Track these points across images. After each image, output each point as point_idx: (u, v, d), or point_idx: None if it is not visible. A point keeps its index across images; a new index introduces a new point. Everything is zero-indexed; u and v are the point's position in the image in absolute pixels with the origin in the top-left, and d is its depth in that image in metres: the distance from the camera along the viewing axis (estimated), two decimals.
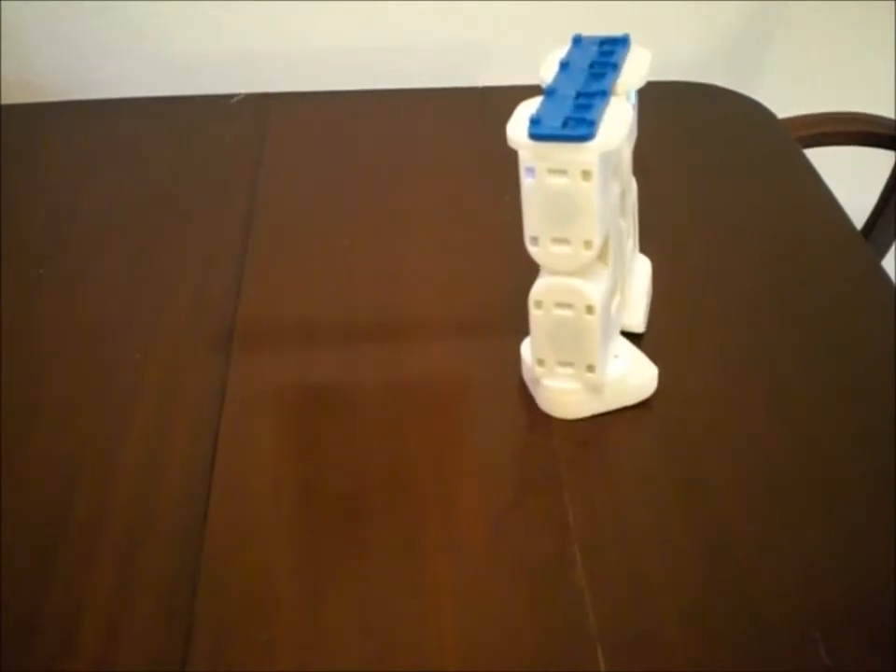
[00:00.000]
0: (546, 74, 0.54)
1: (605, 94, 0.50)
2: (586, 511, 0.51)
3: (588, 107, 0.49)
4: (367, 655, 0.45)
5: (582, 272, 0.51)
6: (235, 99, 0.90)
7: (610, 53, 0.55)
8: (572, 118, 0.47)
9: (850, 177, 0.83)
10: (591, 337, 0.53)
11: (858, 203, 0.84)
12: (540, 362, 0.55)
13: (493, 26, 1.04)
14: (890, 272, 0.68)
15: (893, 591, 0.47)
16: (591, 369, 0.54)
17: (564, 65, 0.54)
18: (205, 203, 0.77)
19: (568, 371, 0.55)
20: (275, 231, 0.73)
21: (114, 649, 0.45)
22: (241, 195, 0.77)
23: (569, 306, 0.52)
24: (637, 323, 0.61)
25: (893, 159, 0.93)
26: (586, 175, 0.47)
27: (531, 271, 0.67)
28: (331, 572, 0.49)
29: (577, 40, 0.56)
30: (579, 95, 0.50)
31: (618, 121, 0.48)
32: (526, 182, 0.49)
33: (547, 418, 0.57)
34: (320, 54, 1.05)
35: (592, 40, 0.56)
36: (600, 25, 0.90)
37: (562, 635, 0.46)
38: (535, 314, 0.53)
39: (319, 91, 0.91)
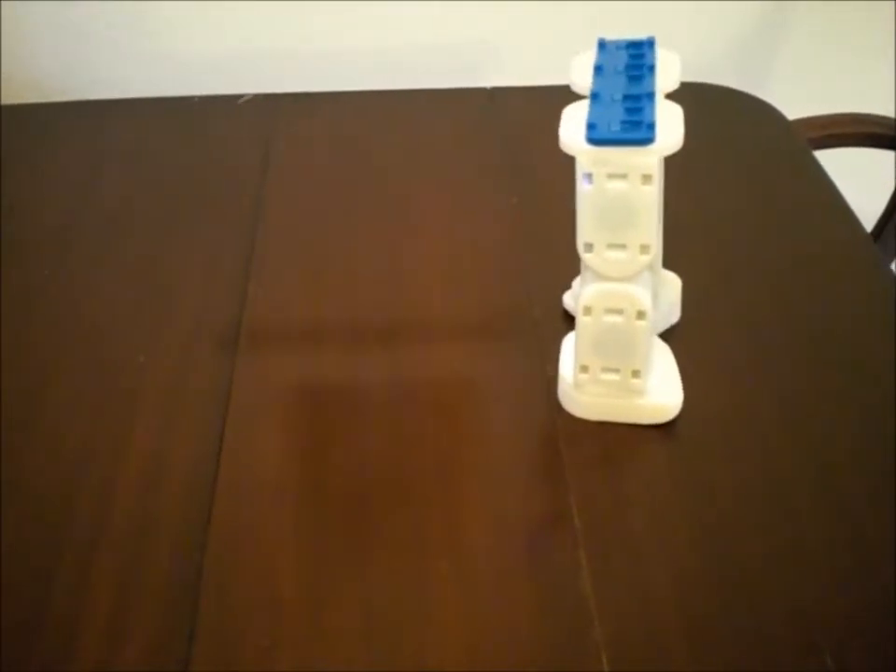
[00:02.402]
0: (578, 77, 0.53)
1: (652, 96, 0.50)
2: (592, 517, 0.51)
3: (640, 110, 0.48)
4: (369, 659, 0.45)
5: (632, 277, 0.51)
6: (242, 99, 0.89)
7: (640, 56, 0.54)
8: (628, 121, 0.47)
9: (861, 179, 0.82)
10: (640, 343, 0.52)
11: (868, 204, 0.84)
12: (584, 368, 0.54)
13: (501, 27, 1.03)
14: None
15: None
16: (636, 374, 0.53)
17: (598, 69, 0.53)
18: (212, 204, 0.76)
19: (613, 377, 0.54)
20: (282, 232, 0.73)
21: (116, 651, 0.45)
22: (247, 195, 0.76)
23: (619, 312, 0.51)
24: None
25: None
26: (647, 178, 0.47)
27: (539, 273, 0.67)
28: (335, 575, 0.48)
29: (602, 44, 0.56)
30: (626, 98, 0.49)
31: (673, 123, 0.47)
32: (583, 188, 0.48)
33: (553, 422, 0.56)
34: (327, 54, 1.03)
35: (617, 44, 0.55)
36: (608, 27, 0.89)
37: (567, 641, 0.45)
38: (583, 320, 0.52)
39: (326, 92, 0.90)
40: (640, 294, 0.51)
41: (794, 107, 0.85)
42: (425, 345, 0.62)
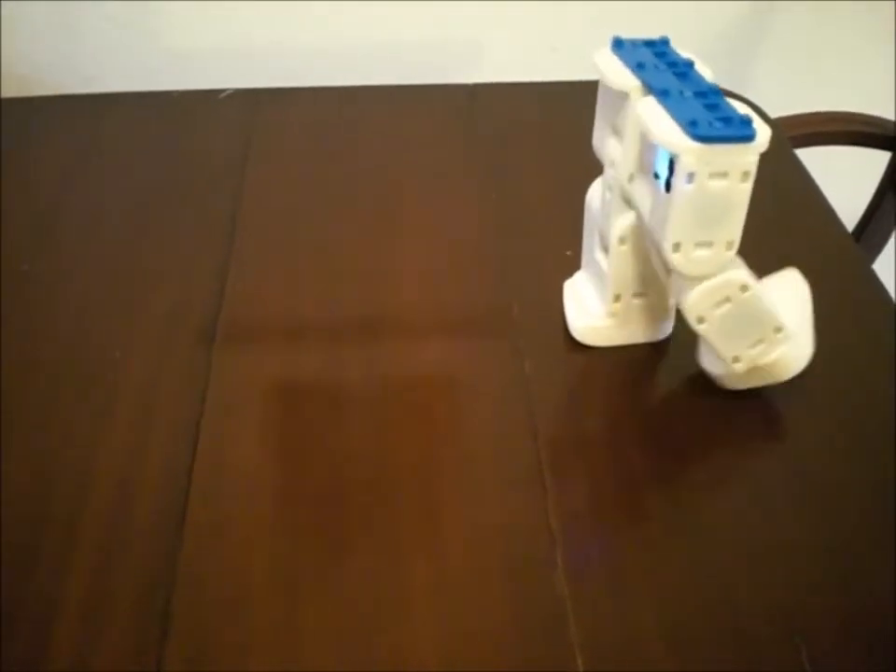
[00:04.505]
0: (613, 75, 0.52)
1: (718, 92, 0.49)
2: (569, 516, 0.51)
3: (718, 106, 0.48)
4: (344, 659, 0.44)
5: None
6: (224, 94, 0.88)
7: (664, 54, 0.54)
8: (723, 118, 0.46)
9: (843, 177, 0.84)
10: (761, 311, 0.52)
11: (850, 203, 0.86)
12: (735, 359, 0.53)
13: (482, 24, 1.01)
14: (882, 273, 0.69)
15: (876, 598, 0.47)
16: (778, 330, 0.53)
17: (640, 65, 0.52)
18: (191, 199, 0.75)
19: (760, 347, 0.53)
20: (261, 228, 0.72)
21: (90, 649, 0.45)
22: (228, 191, 0.75)
23: (727, 300, 0.51)
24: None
25: (886, 159, 0.97)
26: (746, 175, 0.46)
27: (518, 270, 0.67)
28: (309, 575, 0.48)
29: (619, 42, 0.55)
30: (697, 94, 0.49)
31: (757, 119, 0.47)
32: (684, 188, 0.47)
33: (532, 421, 0.56)
34: (309, 50, 1.00)
35: (634, 42, 0.55)
36: (592, 26, 0.89)
37: (542, 641, 0.45)
38: (701, 328, 0.52)
39: (307, 87, 0.89)
40: (734, 275, 0.50)
41: (778, 105, 0.87)
42: (403, 343, 0.62)
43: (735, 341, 0.53)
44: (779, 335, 0.53)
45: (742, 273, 0.51)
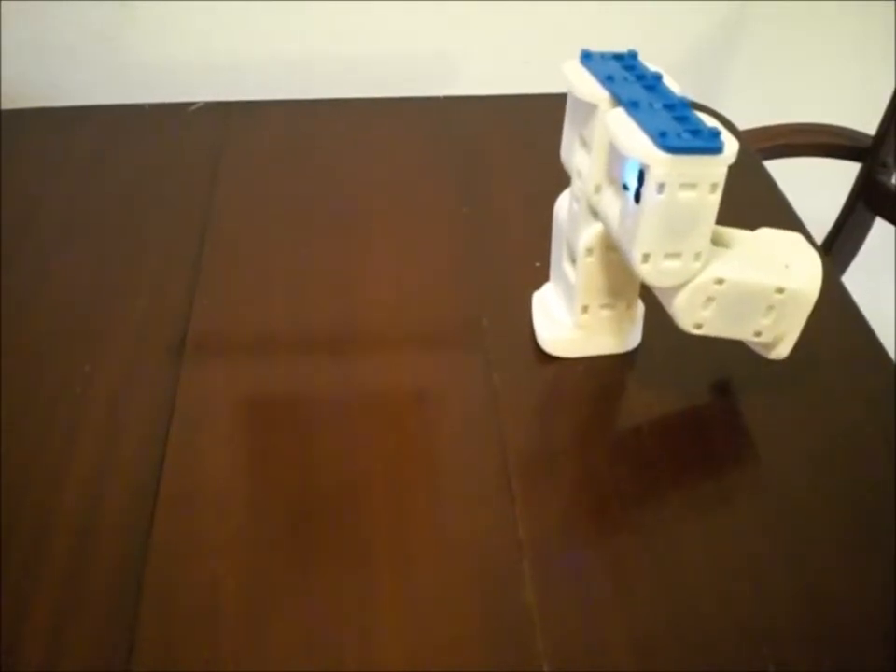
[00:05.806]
0: (582, 85, 0.52)
1: (686, 105, 0.50)
2: (537, 527, 0.51)
3: (686, 118, 0.48)
4: (312, 670, 0.45)
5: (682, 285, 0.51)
6: (194, 107, 0.88)
7: (632, 67, 0.54)
8: (691, 130, 0.46)
9: (812, 189, 0.85)
10: (750, 288, 0.51)
11: (820, 214, 0.87)
12: (757, 334, 0.53)
13: (454, 37, 1.02)
14: (850, 286, 0.69)
15: (843, 611, 0.47)
16: (780, 290, 0.52)
17: (609, 78, 0.52)
18: (162, 212, 0.75)
19: (772, 313, 0.53)
20: (231, 241, 0.71)
21: (57, 663, 0.45)
22: (198, 204, 0.75)
23: (711, 300, 0.51)
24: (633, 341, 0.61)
25: (856, 170, 0.97)
26: (714, 187, 0.47)
27: (488, 282, 0.68)
28: (277, 588, 0.48)
29: (587, 55, 0.55)
30: (666, 107, 0.49)
31: (726, 132, 0.47)
32: (655, 198, 0.47)
33: (501, 433, 0.56)
34: (279, 63, 1.00)
35: (603, 55, 0.56)
36: (561, 39, 0.89)
37: (509, 651, 0.45)
38: (702, 332, 0.52)
39: (278, 100, 0.89)
40: (703, 278, 0.50)
41: (748, 117, 0.87)
42: (374, 357, 0.61)
43: (745, 322, 0.53)
44: (783, 294, 0.52)
45: (708, 271, 0.51)
